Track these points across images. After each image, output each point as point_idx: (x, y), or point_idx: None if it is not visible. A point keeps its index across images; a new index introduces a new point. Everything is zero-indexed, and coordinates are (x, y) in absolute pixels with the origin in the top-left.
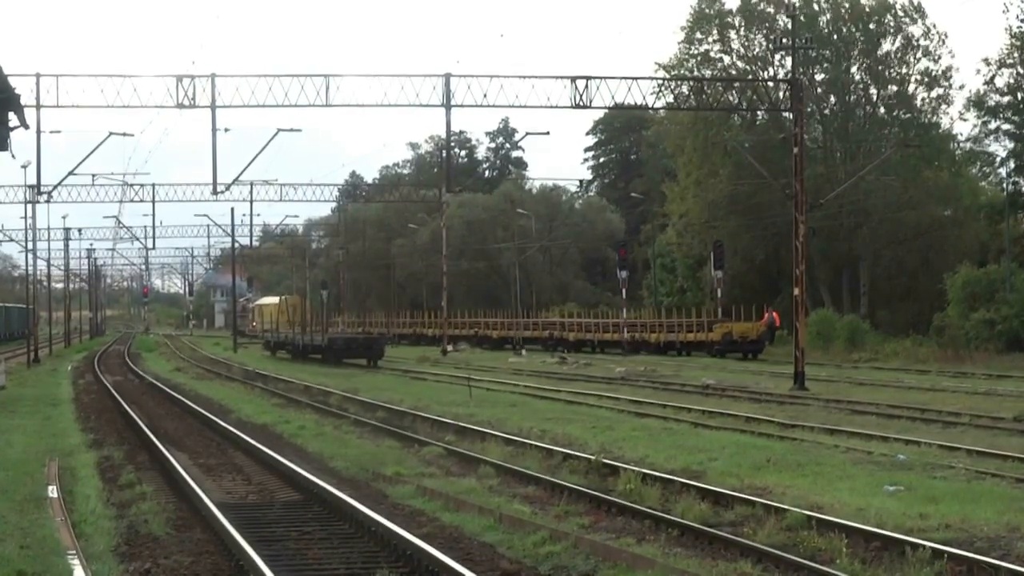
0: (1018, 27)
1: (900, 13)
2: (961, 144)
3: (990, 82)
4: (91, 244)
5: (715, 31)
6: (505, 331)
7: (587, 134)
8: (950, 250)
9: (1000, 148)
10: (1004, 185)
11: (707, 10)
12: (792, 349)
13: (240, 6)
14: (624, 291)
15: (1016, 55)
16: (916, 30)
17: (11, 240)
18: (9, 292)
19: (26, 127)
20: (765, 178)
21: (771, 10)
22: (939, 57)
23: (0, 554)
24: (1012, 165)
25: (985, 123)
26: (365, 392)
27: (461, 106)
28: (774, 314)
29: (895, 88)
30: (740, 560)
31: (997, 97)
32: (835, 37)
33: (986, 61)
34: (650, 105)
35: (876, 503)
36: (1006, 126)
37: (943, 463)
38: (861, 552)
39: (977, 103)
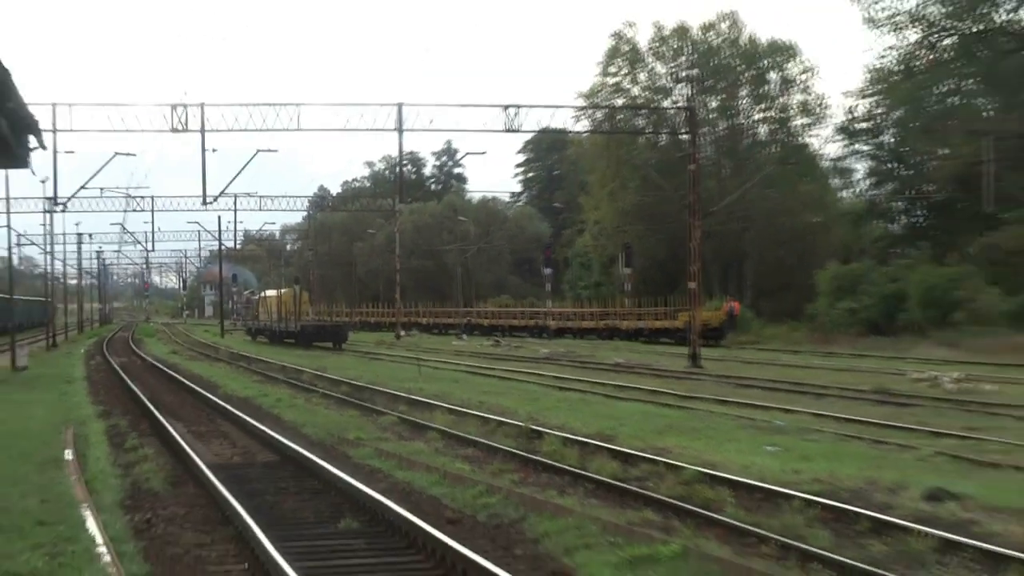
0: (876, 64)
1: (779, 53)
2: (828, 161)
3: (852, 111)
4: (100, 247)
5: (626, 66)
6: (495, 319)
7: (518, 153)
8: (820, 250)
9: (860, 166)
10: (864, 196)
11: (620, 47)
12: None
13: (225, 46)
14: (549, 285)
15: (873, 88)
16: (793, 67)
17: (32, 244)
18: (30, 288)
19: (44, 148)
20: (666, 190)
21: (675, 47)
22: (811, 89)
23: (24, 507)
24: (870, 181)
25: (848, 145)
26: (332, 370)
27: (411, 130)
28: (734, 304)
29: (775, 115)
30: (645, 509)
31: (858, 124)
32: (734, 67)
33: (847, 93)
34: (570, 129)
35: (758, 461)
36: (865, 148)
37: (814, 428)
38: (746, 502)
39: (843, 129)
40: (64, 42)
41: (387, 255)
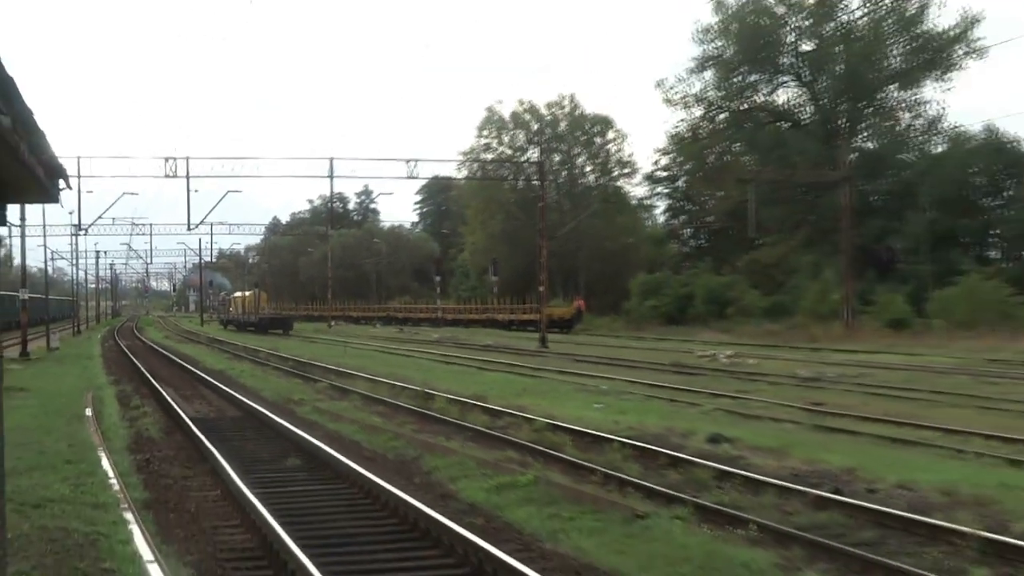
0: (672, 131)
1: (601, 123)
2: (638, 200)
3: (656, 163)
4: (112, 261)
5: (495, 130)
6: (407, 314)
7: (416, 193)
8: (632, 263)
9: (661, 203)
10: (663, 225)
11: (491, 117)
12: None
13: (206, 113)
14: (439, 289)
15: (670, 147)
16: (611, 134)
17: (62, 259)
18: (60, 290)
19: (70, 189)
20: (523, 220)
21: (528, 118)
22: (624, 149)
23: (56, 449)
24: (668, 214)
25: (652, 188)
26: (282, 350)
27: (339, 177)
28: (581, 302)
29: (600, 166)
30: (508, 450)
31: (660, 173)
32: (571, 133)
33: (656, 150)
34: (454, 176)
35: (588, 415)
36: (664, 190)
37: (628, 391)
38: (580, 444)
39: (648, 177)
40: (85, 108)
41: (322, 267)
